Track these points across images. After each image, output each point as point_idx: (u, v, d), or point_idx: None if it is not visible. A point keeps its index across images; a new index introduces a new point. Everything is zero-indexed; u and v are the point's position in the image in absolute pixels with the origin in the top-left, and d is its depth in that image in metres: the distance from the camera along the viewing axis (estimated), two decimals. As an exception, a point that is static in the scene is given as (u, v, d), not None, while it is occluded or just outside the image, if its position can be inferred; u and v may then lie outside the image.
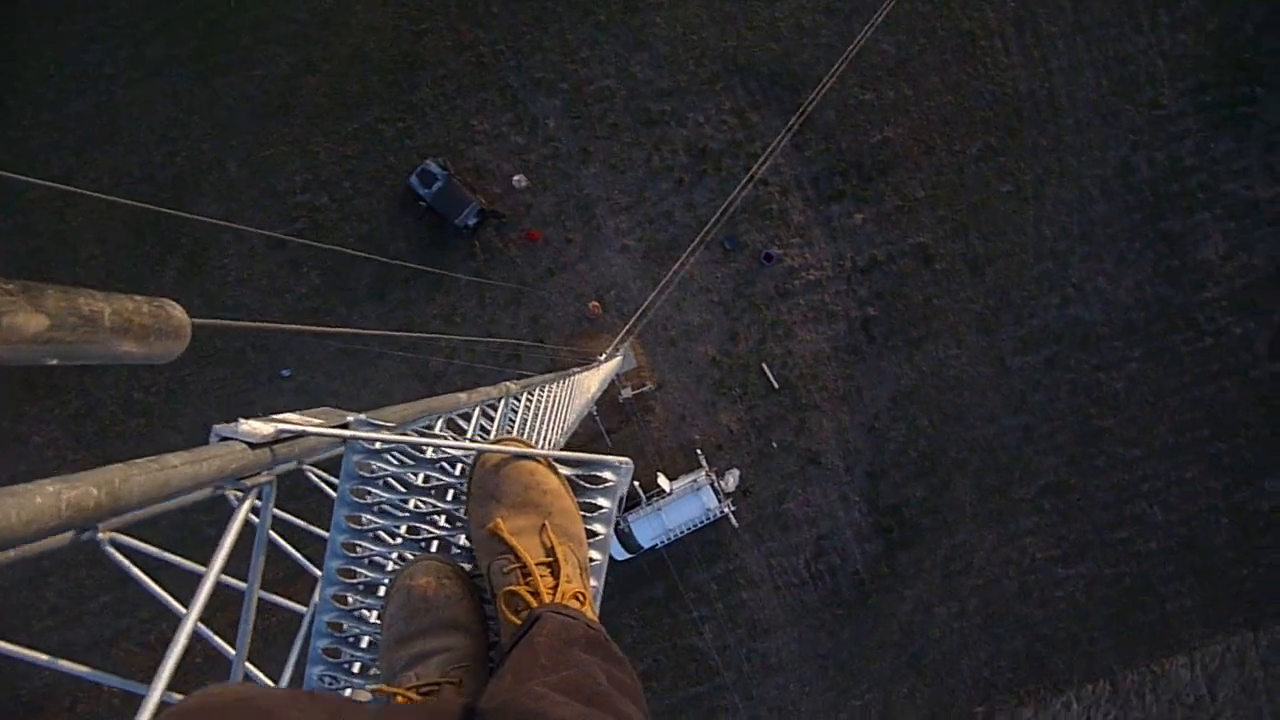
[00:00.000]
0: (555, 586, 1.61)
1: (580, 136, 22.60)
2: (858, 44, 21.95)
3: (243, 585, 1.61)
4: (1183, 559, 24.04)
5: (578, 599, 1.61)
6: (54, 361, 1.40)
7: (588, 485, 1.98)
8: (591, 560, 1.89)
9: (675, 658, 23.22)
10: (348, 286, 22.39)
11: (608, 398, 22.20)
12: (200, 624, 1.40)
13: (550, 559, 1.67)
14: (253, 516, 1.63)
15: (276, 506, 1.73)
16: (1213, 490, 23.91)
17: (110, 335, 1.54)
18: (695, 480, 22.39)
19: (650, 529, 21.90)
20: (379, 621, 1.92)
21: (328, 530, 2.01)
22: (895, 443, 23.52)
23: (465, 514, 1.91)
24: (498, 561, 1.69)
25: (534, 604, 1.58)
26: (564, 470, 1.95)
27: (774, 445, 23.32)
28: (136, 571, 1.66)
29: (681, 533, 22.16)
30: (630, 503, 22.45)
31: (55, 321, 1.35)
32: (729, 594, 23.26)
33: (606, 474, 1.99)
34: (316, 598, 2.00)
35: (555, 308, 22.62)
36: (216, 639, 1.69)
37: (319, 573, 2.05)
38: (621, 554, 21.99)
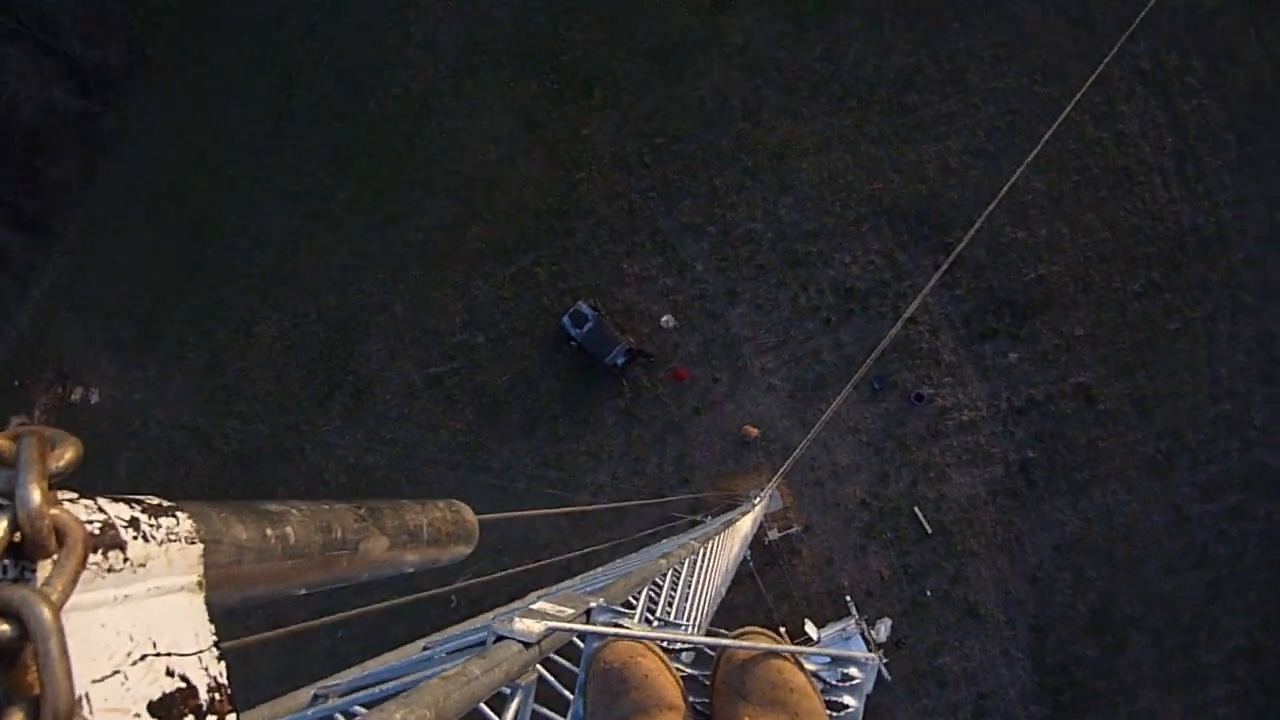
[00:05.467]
0: None
1: (727, 278, 23.02)
2: (1010, 183, 21.73)
3: None
4: None
5: None
6: (366, 579, 1.48)
7: (833, 683, 1.96)
8: None
9: (825, 823, 21.72)
10: (499, 423, 23.08)
11: (754, 539, 21.74)
12: None
13: None
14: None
15: None
16: None
17: (425, 546, 1.66)
18: (844, 629, 21.35)
19: (799, 681, 20.91)
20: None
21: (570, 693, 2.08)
22: (1062, 595, 21.96)
23: (709, 708, 1.89)
24: None
25: None
26: (809, 665, 1.92)
27: (928, 594, 22.16)
28: None
29: (832, 687, 21.05)
30: (777, 651, 21.60)
31: (392, 541, 1.47)
32: (882, 755, 21.81)
33: (853, 670, 1.96)
34: None
35: (702, 446, 22.60)
36: None
37: None
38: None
